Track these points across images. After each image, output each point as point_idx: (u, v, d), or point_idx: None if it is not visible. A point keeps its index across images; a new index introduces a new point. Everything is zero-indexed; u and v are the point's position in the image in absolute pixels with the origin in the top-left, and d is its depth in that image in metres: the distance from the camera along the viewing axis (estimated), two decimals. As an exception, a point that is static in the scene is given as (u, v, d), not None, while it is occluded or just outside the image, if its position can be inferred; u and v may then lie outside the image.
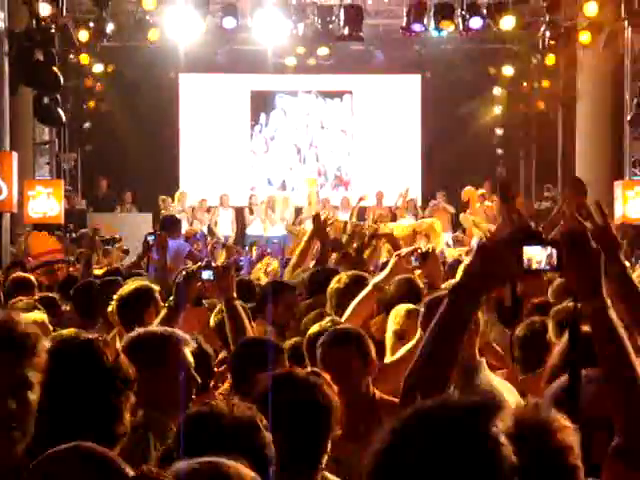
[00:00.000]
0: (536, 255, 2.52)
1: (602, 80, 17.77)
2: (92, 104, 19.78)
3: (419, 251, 5.16)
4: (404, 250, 5.34)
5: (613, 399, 2.41)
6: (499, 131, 21.59)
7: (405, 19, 16.22)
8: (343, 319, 4.84)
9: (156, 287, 5.56)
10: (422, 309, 3.90)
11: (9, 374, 2.41)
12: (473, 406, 1.67)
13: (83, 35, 16.31)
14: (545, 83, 19.23)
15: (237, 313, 4.96)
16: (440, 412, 1.67)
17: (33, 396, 2.43)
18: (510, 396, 3.57)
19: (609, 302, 2.49)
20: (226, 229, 19.17)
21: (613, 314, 2.49)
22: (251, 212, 19.36)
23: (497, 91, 21.24)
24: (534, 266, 2.53)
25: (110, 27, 15.72)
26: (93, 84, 19.32)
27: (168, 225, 10.52)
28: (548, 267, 2.53)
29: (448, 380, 2.47)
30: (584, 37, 16.15)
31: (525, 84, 20.06)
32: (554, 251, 2.51)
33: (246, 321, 4.98)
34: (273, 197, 19.58)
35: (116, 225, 16.16)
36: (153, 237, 8.48)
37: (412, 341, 4.38)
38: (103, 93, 19.90)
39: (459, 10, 16.12)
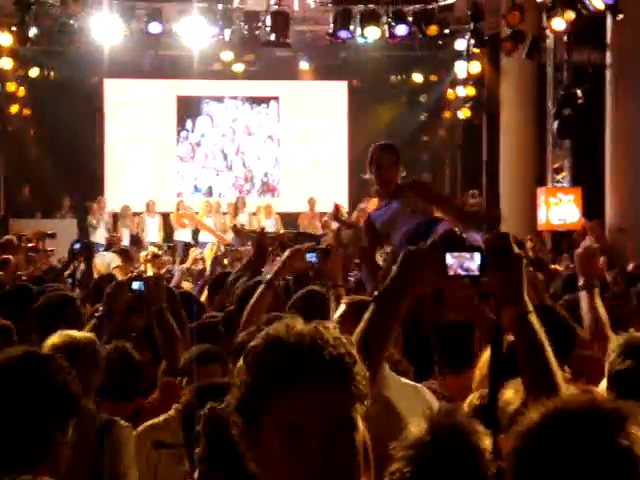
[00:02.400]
0: (460, 262, 2.53)
1: (525, 88, 18.05)
2: (15, 108, 19.46)
3: (320, 247, 5.05)
4: (301, 246, 5.22)
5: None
6: (425, 137, 21.78)
7: (331, 26, 16.27)
8: (242, 321, 4.80)
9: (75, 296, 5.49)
10: (341, 309, 3.84)
11: None
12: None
13: (6, 39, 16.02)
14: (470, 90, 19.45)
15: (167, 324, 4.93)
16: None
17: None
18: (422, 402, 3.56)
19: (531, 308, 2.52)
20: (153, 236, 19.00)
21: (535, 320, 2.52)
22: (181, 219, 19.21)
23: (423, 98, 21.45)
24: (457, 272, 2.54)
25: (33, 31, 15.46)
26: (16, 88, 19.01)
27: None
28: (471, 273, 2.55)
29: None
30: (507, 45, 16.37)
31: (450, 91, 20.28)
32: (477, 257, 2.53)
33: (176, 331, 4.95)
34: (208, 203, 19.51)
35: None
36: (79, 245, 8.36)
37: None
38: (26, 98, 19.60)
39: (385, 17, 16.22)
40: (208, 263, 12.03)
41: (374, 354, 2.50)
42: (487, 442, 2.14)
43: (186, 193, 21.50)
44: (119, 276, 8.96)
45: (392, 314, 2.56)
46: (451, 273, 2.53)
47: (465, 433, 2.11)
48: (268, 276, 5.14)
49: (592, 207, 15.80)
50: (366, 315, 2.58)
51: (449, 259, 2.52)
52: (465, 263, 2.53)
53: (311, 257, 4.92)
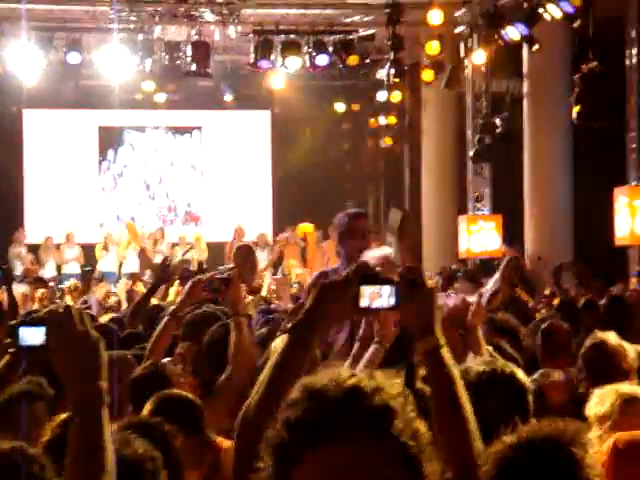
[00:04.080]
0: (373, 294, 2.54)
1: (445, 117, 18.31)
2: None
3: (218, 277, 5.05)
4: (202, 276, 5.25)
5: (442, 440, 2.43)
6: (347, 166, 21.92)
7: (252, 55, 16.30)
8: (147, 351, 4.83)
9: None
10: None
11: None
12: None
13: None
14: (391, 119, 19.65)
15: None
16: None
17: None
18: None
19: (443, 341, 2.53)
20: (72, 267, 18.70)
21: (447, 353, 2.53)
22: (105, 248, 18.96)
23: (345, 127, 21.61)
24: (370, 305, 2.54)
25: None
26: None
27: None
28: (385, 306, 2.55)
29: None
30: (427, 75, 16.60)
31: (372, 120, 20.45)
32: (390, 290, 2.53)
33: None
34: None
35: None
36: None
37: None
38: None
39: (306, 47, 16.32)
40: (123, 297, 11.98)
41: (286, 386, 2.49)
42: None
43: (108, 224, 21.27)
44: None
45: (305, 346, 2.55)
46: (364, 305, 2.53)
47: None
48: (172, 307, 5.18)
49: (512, 234, 16.05)
50: (279, 347, 2.57)
51: (363, 292, 2.52)
52: (379, 296, 2.53)
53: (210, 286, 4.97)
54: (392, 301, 2.54)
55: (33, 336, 2.48)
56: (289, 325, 2.68)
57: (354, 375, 1.71)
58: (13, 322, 2.54)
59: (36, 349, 2.49)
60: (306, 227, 18.72)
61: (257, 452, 2.43)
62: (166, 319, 5.03)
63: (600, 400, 3.85)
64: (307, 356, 2.58)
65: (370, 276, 2.56)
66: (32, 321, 2.49)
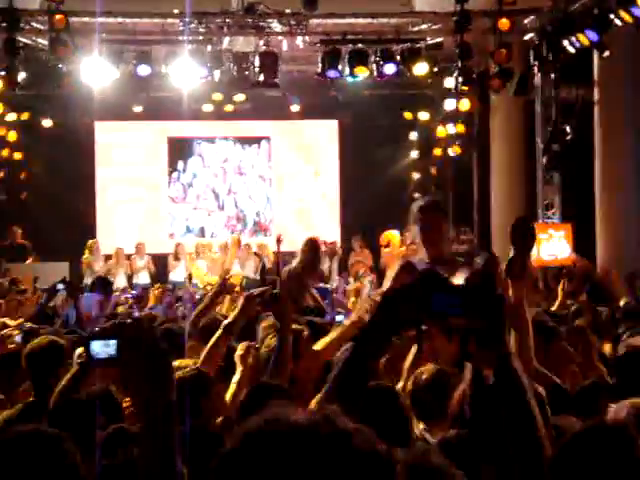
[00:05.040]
0: (442, 302, 2.51)
1: (514, 124, 18.15)
2: (5, 153, 19.49)
3: (268, 293, 5.06)
4: (255, 291, 5.26)
5: (511, 447, 2.40)
6: (416, 175, 21.84)
7: (320, 65, 16.35)
8: (199, 364, 4.80)
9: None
10: None
11: None
12: None
13: (-5, 83, 16.06)
14: (459, 128, 19.53)
15: None
16: None
17: None
18: None
19: (513, 350, 2.49)
20: (143, 277, 18.92)
21: (517, 363, 2.49)
22: (176, 258, 19.13)
23: (413, 136, 21.54)
24: (441, 312, 2.51)
25: (22, 75, 15.50)
26: (5, 133, 19.06)
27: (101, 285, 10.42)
28: (454, 313, 2.52)
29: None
30: (495, 83, 16.46)
31: (440, 128, 20.36)
32: (459, 298, 2.50)
33: None
34: (200, 244, 19.46)
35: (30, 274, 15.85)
36: (63, 285, 8.31)
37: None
38: (17, 142, 19.66)
39: (373, 57, 16.31)
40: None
41: (356, 393, 2.48)
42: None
43: (178, 234, 21.49)
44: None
45: (371, 356, 2.53)
46: (435, 312, 2.51)
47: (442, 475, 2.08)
48: (226, 322, 5.18)
49: (582, 243, 15.82)
50: (344, 356, 2.56)
51: (432, 299, 2.50)
52: (447, 303, 2.51)
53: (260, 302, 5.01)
54: (460, 309, 2.51)
55: (105, 349, 2.50)
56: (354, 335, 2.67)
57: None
58: (86, 335, 2.56)
59: (108, 362, 2.51)
60: (390, 235, 18.56)
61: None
62: (219, 333, 5.04)
63: (615, 413, 3.78)
64: (372, 366, 2.56)
65: (438, 283, 2.53)
66: (104, 334, 2.51)
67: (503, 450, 2.41)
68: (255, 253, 18.90)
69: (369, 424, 1.65)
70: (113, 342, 2.48)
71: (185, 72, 16.32)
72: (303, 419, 1.50)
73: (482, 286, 2.53)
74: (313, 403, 3.30)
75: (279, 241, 10.58)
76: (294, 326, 5.05)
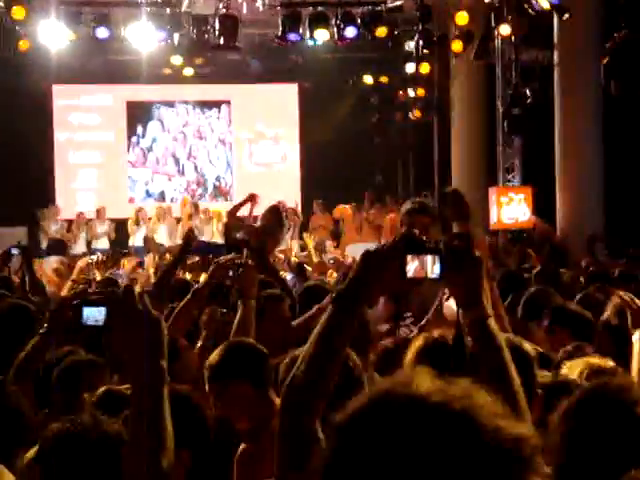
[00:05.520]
0: (419, 263, 2.51)
1: (475, 88, 18.17)
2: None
3: (236, 262, 5.07)
4: (223, 258, 5.28)
5: None
6: (376, 139, 21.84)
7: (280, 28, 16.23)
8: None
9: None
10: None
11: None
12: None
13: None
14: (420, 91, 19.52)
15: None
16: None
17: None
18: None
19: (490, 311, 2.51)
20: (103, 242, 18.80)
21: (493, 324, 2.51)
22: (137, 223, 19.02)
23: (374, 99, 21.51)
24: (416, 274, 2.52)
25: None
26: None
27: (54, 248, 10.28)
28: (431, 276, 2.53)
29: (329, 388, 2.45)
30: (456, 46, 16.46)
31: (401, 92, 20.34)
32: (437, 259, 2.51)
33: None
34: (160, 208, 19.38)
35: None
36: (17, 250, 8.18)
37: None
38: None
39: (333, 20, 16.22)
40: (151, 271, 12.00)
41: (331, 357, 2.49)
42: None
43: (138, 199, 21.36)
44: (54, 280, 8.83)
45: (349, 316, 2.53)
46: (410, 275, 2.51)
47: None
48: (196, 286, 5.29)
49: (543, 205, 15.95)
50: (324, 317, 2.56)
51: (409, 261, 2.50)
52: (425, 265, 2.51)
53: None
54: (437, 271, 2.51)
55: (95, 316, 2.53)
56: (333, 294, 2.66)
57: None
58: (76, 301, 2.57)
59: (98, 328, 2.55)
60: (342, 209, 18.61)
61: (301, 420, 2.44)
62: (187, 298, 5.09)
63: (569, 369, 3.86)
64: (352, 326, 2.56)
65: (416, 245, 2.53)
66: (94, 301, 2.54)
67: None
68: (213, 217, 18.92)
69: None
70: (103, 309, 2.52)
71: (144, 35, 16.16)
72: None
73: (460, 248, 2.53)
74: (286, 360, 3.32)
75: (253, 200, 10.48)
76: (269, 290, 5.10)
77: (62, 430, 2.60)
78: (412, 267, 2.51)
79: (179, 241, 17.18)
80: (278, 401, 3.75)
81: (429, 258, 2.51)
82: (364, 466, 1.36)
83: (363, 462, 1.36)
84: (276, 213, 9.31)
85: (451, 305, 4.49)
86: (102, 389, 3.53)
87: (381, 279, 2.52)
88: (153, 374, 2.24)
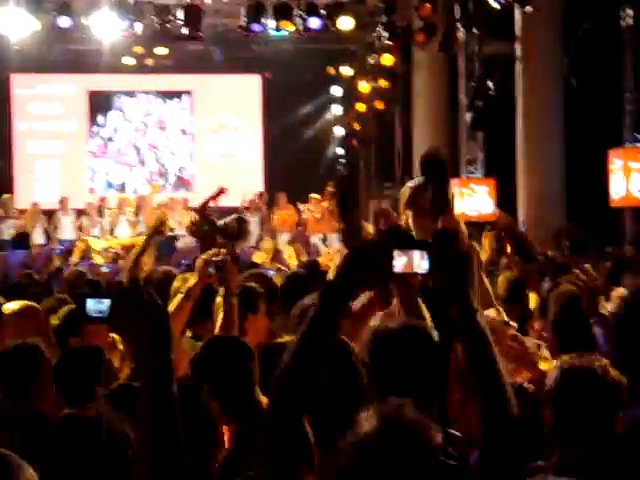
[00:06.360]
0: (407, 259, 2.50)
1: (437, 80, 18.22)
2: None
3: (214, 259, 5.06)
4: (204, 255, 5.25)
5: (478, 407, 2.44)
6: (339, 130, 21.84)
7: (244, 19, 16.17)
8: None
9: None
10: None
11: None
12: None
13: None
14: (382, 83, 19.53)
15: None
16: None
17: None
18: None
19: (477, 306, 2.51)
20: (68, 233, 18.56)
21: (481, 319, 2.51)
22: (100, 214, 18.87)
23: (336, 91, 21.50)
24: (405, 270, 2.51)
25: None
26: None
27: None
28: (419, 271, 2.52)
29: (315, 383, 2.45)
30: (419, 38, 16.47)
31: (363, 84, 20.34)
32: (425, 255, 2.50)
33: None
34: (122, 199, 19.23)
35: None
36: None
37: None
38: None
39: (297, 10, 16.19)
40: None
41: (317, 352, 2.49)
42: (439, 438, 2.13)
43: (99, 189, 21.20)
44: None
45: (336, 312, 2.53)
46: (398, 270, 2.50)
47: (417, 429, 2.10)
48: (186, 286, 5.13)
49: (505, 199, 16.02)
50: (310, 312, 2.55)
51: (396, 256, 2.49)
52: (413, 260, 2.50)
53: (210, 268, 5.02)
54: (425, 266, 2.50)
55: (99, 308, 2.52)
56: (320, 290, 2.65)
57: None
58: (79, 292, 2.58)
59: (101, 320, 2.53)
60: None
61: (290, 414, 2.45)
62: (180, 300, 4.94)
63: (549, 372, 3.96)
64: (338, 321, 2.56)
65: (404, 240, 2.53)
66: (98, 293, 2.53)
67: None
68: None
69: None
70: (107, 301, 2.51)
71: (106, 24, 16.02)
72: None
73: (448, 243, 2.53)
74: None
75: (222, 193, 10.41)
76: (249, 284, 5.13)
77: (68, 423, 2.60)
78: (400, 262, 2.50)
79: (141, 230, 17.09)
80: (264, 399, 3.76)
81: (417, 253, 2.50)
82: None
83: None
84: (241, 222, 9.26)
85: None
86: (116, 384, 3.50)
87: (367, 275, 2.51)
88: (161, 366, 2.25)
